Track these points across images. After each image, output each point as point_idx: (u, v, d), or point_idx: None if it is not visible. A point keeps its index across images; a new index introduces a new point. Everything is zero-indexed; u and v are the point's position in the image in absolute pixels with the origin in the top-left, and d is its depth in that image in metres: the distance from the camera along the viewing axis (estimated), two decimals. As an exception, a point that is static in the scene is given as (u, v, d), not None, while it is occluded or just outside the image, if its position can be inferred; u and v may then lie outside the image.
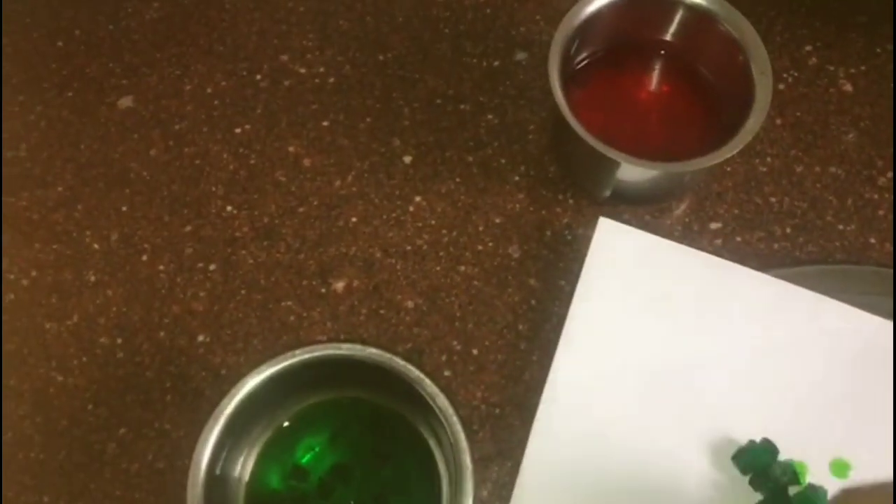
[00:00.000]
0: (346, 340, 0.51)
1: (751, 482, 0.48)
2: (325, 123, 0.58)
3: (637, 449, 0.49)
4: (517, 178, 0.57)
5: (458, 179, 0.57)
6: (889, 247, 0.55)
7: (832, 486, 0.48)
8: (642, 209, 0.56)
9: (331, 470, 0.47)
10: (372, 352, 0.44)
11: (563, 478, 0.48)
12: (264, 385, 0.44)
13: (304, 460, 0.48)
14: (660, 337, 0.51)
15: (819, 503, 0.47)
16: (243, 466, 0.47)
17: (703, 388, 0.50)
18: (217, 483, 0.44)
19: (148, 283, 0.54)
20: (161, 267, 0.54)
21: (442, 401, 0.44)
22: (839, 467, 0.48)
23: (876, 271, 0.53)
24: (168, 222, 0.55)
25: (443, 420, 0.43)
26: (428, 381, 0.44)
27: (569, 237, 0.55)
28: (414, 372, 0.44)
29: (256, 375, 0.44)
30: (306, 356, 0.44)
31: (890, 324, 0.51)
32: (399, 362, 0.44)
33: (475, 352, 0.52)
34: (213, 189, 0.56)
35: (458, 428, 0.43)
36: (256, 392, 0.44)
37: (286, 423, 0.48)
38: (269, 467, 0.47)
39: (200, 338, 0.52)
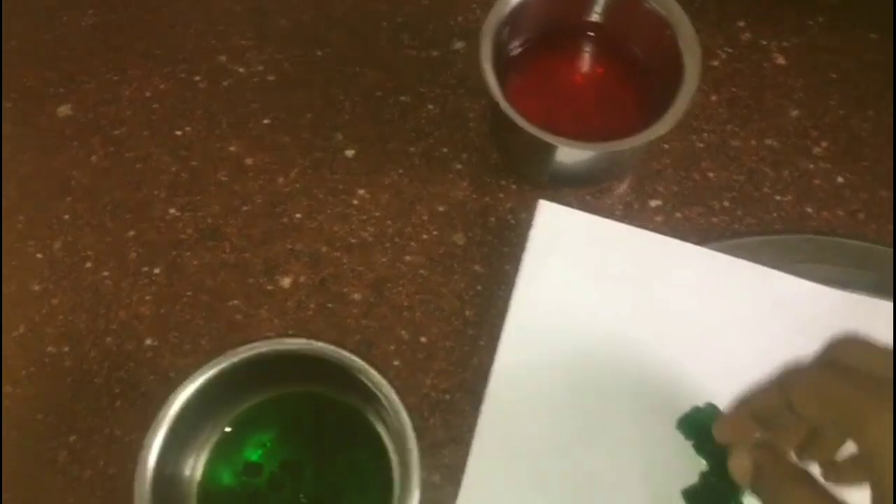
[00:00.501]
0: (292, 336, 0.51)
1: (694, 447, 0.48)
2: (266, 121, 0.59)
3: (585, 426, 0.49)
4: (460, 166, 0.58)
5: (401, 171, 0.57)
6: (826, 215, 0.56)
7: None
8: (583, 190, 0.57)
9: (282, 465, 0.48)
10: (316, 345, 0.45)
11: (513, 459, 0.49)
12: (210, 384, 0.44)
13: (255, 457, 0.48)
14: (604, 315, 0.52)
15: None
16: (194, 465, 0.47)
17: (650, 363, 0.51)
18: (168, 483, 0.44)
19: (93, 289, 0.54)
20: (105, 273, 0.54)
21: (387, 389, 0.44)
22: (784, 433, 0.49)
23: (812, 239, 0.54)
24: (111, 228, 0.55)
25: (388, 408, 0.44)
26: (372, 371, 0.44)
27: (512, 222, 0.56)
28: (358, 362, 0.44)
29: (200, 375, 0.44)
30: (251, 353, 0.45)
31: (828, 290, 0.52)
32: (343, 354, 0.45)
33: (423, 340, 0.53)
34: (156, 193, 0.56)
35: (404, 415, 0.43)
36: (202, 392, 0.44)
37: (236, 421, 0.48)
38: (221, 465, 0.47)
39: (148, 342, 0.52)
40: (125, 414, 0.51)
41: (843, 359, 0.36)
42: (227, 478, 0.47)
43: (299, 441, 0.49)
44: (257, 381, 0.48)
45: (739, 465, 0.39)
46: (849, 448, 0.40)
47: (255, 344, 0.45)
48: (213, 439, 0.48)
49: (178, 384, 0.44)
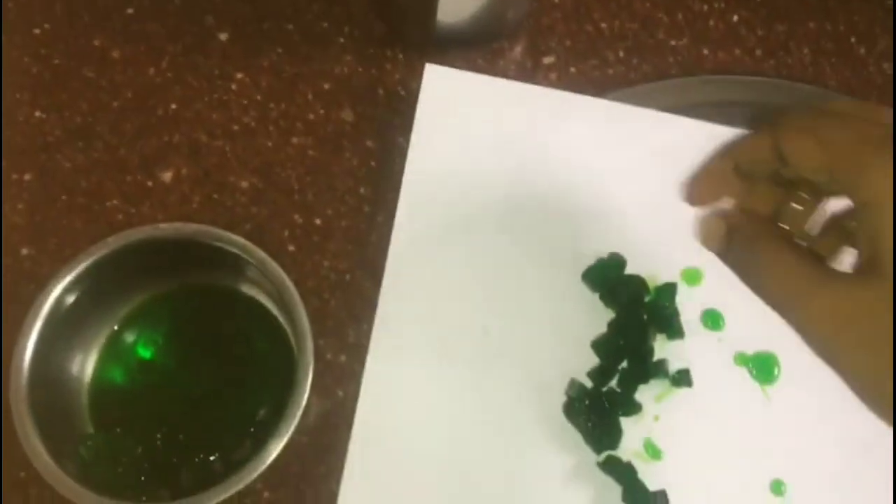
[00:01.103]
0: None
1: (602, 298, 0.47)
2: (129, 11, 0.55)
3: (489, 287, 0.48)
4: (342, 40, 0.54)
5: (279, 50, 0.54)
6: (723, 55, 0.54)
7: (684, 293, 0.48)
8: (474, 53, 0.54)
9: (178, 360, 0.46)
10: (189, 227, 0.43)
11: (417, 328, 0.47)
12: (86, 279, 0.42)
13: (148, 354, 0.46)
14: (501, 175, 0.50)
15: (669, 306, 0.47)
16: (83, 365, 0.45)
17: (552, 219, 0.49)
18: (51, 383, 0.42)
19: (-41, 203, 0.50)
20: (-30, 184, 0.51)
21: (271, 266, 0.42)
22: (690, 276, 0.49)
23: (708, 80, 0.53)
24: (-27, 138, 0.52)
25: (276, 284, 0.42)
26: (253, 247, 0.42)
27: (402, 93, 0.53)
28: (238, 241, 0.42)
29: (71, 270, 0.42)
30: (121, 243, 0.42)
31: (727, 129, 0.50)
32: (223, 234, 0.42)
33: (318, 222, 0.51)
34: (18, 96, 0.52)
35: (290, 286, 0.41)
36: (79, 287, 0.42)
37: (125, 319, 0.46)
38: (112, 364, 0.45)
39: (24, 251, 0.49)
40: (8, 326, 0.48)
41: (841, 110, 0.33)
42: (119, 376, 0.45)
43: (194, 335, 0.47)
44: (143, 276, 0.46)
45: (708, 229, 0.35)
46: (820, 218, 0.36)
47: (126, 232, 0.42)
48: (102, 338, 0.45)
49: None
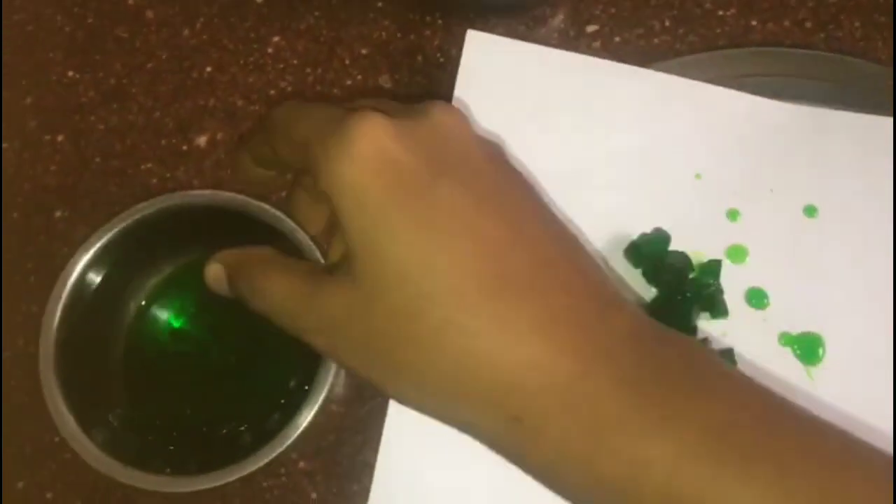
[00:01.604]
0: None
1: (644, 275, 0.46)
2: (164, -30, 0.54)
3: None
4: (380, 4, 0.53)
5: (316, 13, 0.53)
6: (772, 26, 0.52)
7: (728, 271, 0.47)
8: (516, 20, 0.53)
9: (210, 329, 0.45)
10: (222, 195, 0.41)
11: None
12: (116, 246, 0.41)
13: (179, 324, 0.45)
14: (543, 146, 0.49)
15: (713, 283, 0.46)
16: (113, 333, 0.44)
17: (595, 191, 0.48)
18: (81, 350, 0.41)
19: (-7, 163, 0.50)
20: (5, 145, 0.50)
21: (301, 235, 0.41)
22: (735, 253, 0.47)
23: (756, 51, 0.51)
24: (6, 97, 0.51)
25: (306, 254, 0.41)
26: (284, 217, 0.41)
27: (442, 60, 0.52)
28: (270, 211, 0.41)
29: (101, 236, 0.41)
30: (152, 209, 0.41)
31: (774, 102, 0.49)
32: (254, 203, 0.41)
33: (354, 190, 0.50)
34: (51, 55, 0.52)
35: (320, 257, 0.41)
36: (109, 254, 0.41)
37: (156, 287, 0.45)
38: (143, 332, 0.45)
39: (58, 213, 0.49)
40: (40, 290, 0.47)
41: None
42: (150, 344, 0.44)
43: (225, 305, 0.46)
44: (174, 244, 0.45)
45: (211, 276, 0.36)
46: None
47: (157, 199, 0.41)
48: (132, 306, 0.45)
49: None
